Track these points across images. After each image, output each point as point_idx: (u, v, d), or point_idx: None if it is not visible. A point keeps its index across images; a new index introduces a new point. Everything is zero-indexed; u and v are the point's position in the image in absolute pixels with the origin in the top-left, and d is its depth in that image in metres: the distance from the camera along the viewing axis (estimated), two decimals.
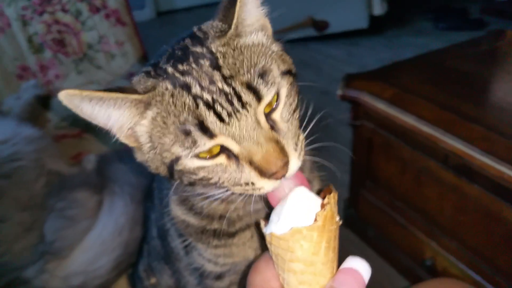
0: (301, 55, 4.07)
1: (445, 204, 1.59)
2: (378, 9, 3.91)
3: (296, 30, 4.08)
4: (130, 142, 0.63)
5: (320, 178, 0.83)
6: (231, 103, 0.56)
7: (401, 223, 1.82)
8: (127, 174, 1.16)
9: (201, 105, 0.56)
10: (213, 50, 0.59)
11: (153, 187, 0.92)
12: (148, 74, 0.61)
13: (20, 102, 1.52)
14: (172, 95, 0.57)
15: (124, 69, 1.73)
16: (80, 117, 0.59)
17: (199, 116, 0.56)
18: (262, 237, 0.73)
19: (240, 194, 0.63)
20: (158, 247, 0.88)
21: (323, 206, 0.58)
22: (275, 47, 0.67)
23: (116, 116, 0.59)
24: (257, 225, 0.75)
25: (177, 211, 0.78)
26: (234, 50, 0.59)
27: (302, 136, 0.65)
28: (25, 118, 1.46)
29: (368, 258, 1.87)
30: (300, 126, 0.68)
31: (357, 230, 2.15)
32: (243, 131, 0.56)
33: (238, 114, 0.56)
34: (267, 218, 0.62)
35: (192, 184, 0.62)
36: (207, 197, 0.65)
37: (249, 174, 0.59)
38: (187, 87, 0.57)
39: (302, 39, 4.22)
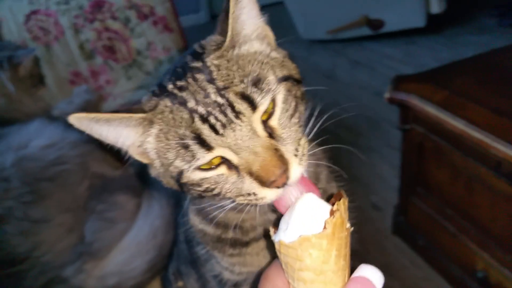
0: (355, 55, 4.00)
1: (498, 213, 1.51)
2: (436, 7, 3.70)
3: (350, 29, 4.00)
4: (142, 159, 0.66)
5: (338, 188, 0.81)
6: (225, 114, 0.56)
7: (452, 232, 1.74)
8: None
9: (196, 119, 0.57)
10: (208, 64, 0.60)
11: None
12: (154, 93, 0.63)
13: (72, 107, 1.59)
14: (171, 111, 0.59)
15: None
16: None
17: (196, 130, 0.57)
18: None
19: (248, 204, 0.63)
20: (185, 251, 0.90)
21: (332, 213, 0.56)
22: (277, 54, 0.67)
23: (124, 134, 0.62)
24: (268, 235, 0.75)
25: (195, 221, 0.80)
26: (228, 61, 0.60)
27: (304, 141, 0.64)
28: None
29: (418, 268, 1.82)
30: (304, 131, 0.67)
31: (407, 238, 2.08)
32: (239, 141, 0.57)
33: (232, 125, 0.57)
34: (276, 225, 0.61)
35: (200, 196, 0.64)
36: (220, 207, 0.66)
37: (250, 184, 0.59)
38: (184, 103, 0.58)
39: (357, 38, 4.13)
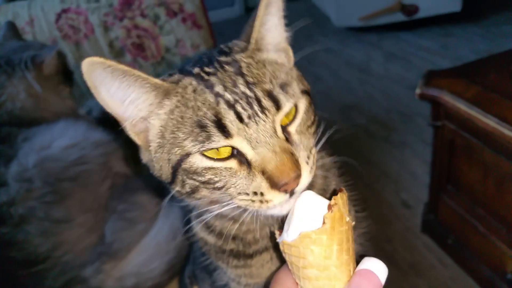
0: (390, 47, 3.91)
1: None
2: None
3: (384, 15, 3.91)
4: (138, 139, 0.64)
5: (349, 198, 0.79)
6: (251, 107, 0.57)
7: (482, 232, 1.70)
8: None
9: (222, 103, 0.57)
10: (238, 58, 0.61)
11: None
12: (171, 75, 0.63)
13: (101, 105, 1.62)
14: (195, 91, 0.59)
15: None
16: None
17: (218, 113, 0.57)
18: (281, 259, 0.72)
19: (245, 210, 0.62)
20: (199, 257, 0.90)
21: (330, 207, 0.56)
22: (296, 71, 0.69)
23: (133, 97, 0.60)
24: (275, 245, 0.73)
25: (198, 229, 0.79)
26: (257, 63, 0.62)
27: (314, 151, 0.63)
28: (104, 120, 1.55)
29: (447, 267, 1.78)
30: (316, 143, 0.67)
31: (436, 237, 2.04)
32: (260, 135, 0.57)
33: (257, 118, 0.57)
34: (282, 228, 0.61)
35: (193, 190, 0.62)
36: (215, 215, 0.65)
37: (259, 183, 0.58)
38: (210, 86, 0.59)
39: (392, 29, 4.03)
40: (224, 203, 0.62)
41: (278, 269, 0.71)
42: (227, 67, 0.60)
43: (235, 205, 0.61)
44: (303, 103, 0.63)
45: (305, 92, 0.65)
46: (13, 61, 1.28)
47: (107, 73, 0.56)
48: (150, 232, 1.16)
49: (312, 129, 0.64)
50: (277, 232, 0.62)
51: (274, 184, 0.57)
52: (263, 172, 0.57)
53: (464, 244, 1.86)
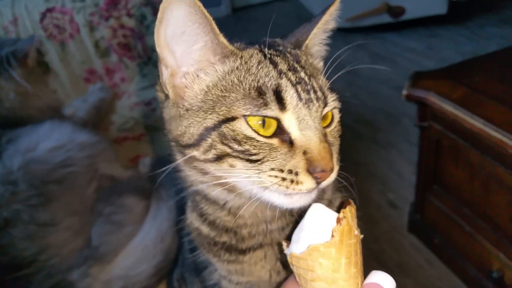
0: (376, 48, 3.93)
1: None
2: None
3: (371, 16, 3.94)
4: (173, 91, 0.65)
5: (343, 198, 0.81)
6: (308, 93, 0.61)
7: (468, 231, 1.72)
8: (176, 180, 1.18)
9: (285, 79, 0.61)
10: (297, 52, 0.67)
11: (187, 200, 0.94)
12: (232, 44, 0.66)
13: (86, 105, 1.61)
14: (259, 62, 0.63)
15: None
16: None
17: (280, 85, 0.60)
18: (275, 258, 0.73)
19: (249, 198, 0.63)
20: (189, 259, 0.90)
21: (339, 220, 0.56)
22: None
23: (202, 44, 0.62)
24: (278, 246, 0.74)
25: (192, 218, 0.80)
26: (310, 61, 0.69)
27: (336, 157, 0.67)
28: (90, 121, 1.54)
29: (433, 266, 1.79)
30: None
31: (422, 237, 2.05)
32: (309, 120, 0.60)
33: (311, 104, 0.61)
34: (288, 239, 0.61)
35: (218, 157, 0.61)
36: (220, 184, 0.65)
37: (298, 162, 0.59)
38: (274, 63, 0.63)
39: (379, 30, 4.06)
40: (239, 177, 0.62)
41: (272, 268, 0.74)
42: (288, 54, 0.65)
43: (250, 181, 0.61)
44: (337, 113, 0.69)
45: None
46: None
47: (189, 12, 0.58)
48: (138, 235, 1.15)
49: (339, 138, 0.70)
50: (284, 244, 0.61)
51: (312, 167, 0.59)
52: (305, 153, 0.59)
53: (451, 243, 1.88)
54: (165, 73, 0.65)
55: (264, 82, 0.60)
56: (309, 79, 0.63)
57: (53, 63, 1.70)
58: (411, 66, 3.52)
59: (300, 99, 0.60)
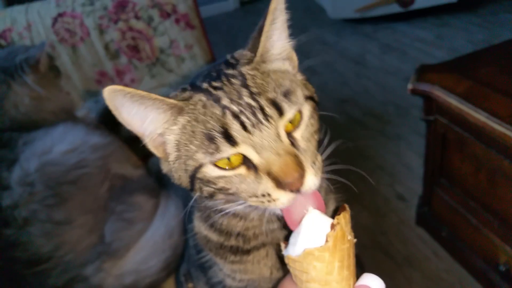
0: (386, 38, 3.92)
1: None
2: None
3: (380, 6, 3.92)
4: (158, 152, 0.69)
5: (336, 199, 0.84)
6: (255, 116, 0.61)
7: (475, 224, 1.73)
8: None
9: (228, 114, 0.61)
10: (243, 71, 0.65)
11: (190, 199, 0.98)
12: (184, 89, 0.68)
13: (99, 106, 1.66)
14: (204, 106, 0.63)
15: (194, 72, 1.81)
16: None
17: (225, 124, 0.61)
18: (277, 256, 0.77)
19: (256, 208, 0.67)
20: (194, 256, 0.95)
21: (333, 226, 0.60)
22: (300, 76, 0.72)
23: (151, 117, 0.65)
24: (277, 246, 0.78)
25: (200, 227, 0.84)
26: (262, 73, 0.65)
27: (320, 158, 0.66)
28: (102, 122, 1.59)
29: (441, 259, 1.83)
30: (319, 150, 0.70)
31: (430, 230, 2.07)
32: (264, 141, 0.61)
33: (261, 126, 0.61)
34: (287, 239, 0.65)
35: (211, 195, 0.67)
36: (227, 213, 0.70)
37: (266, 184, 0.61)
38: (218, 100, 0.63)
39: (388, 20, 4.04)
40: (240, 202, 0.66)
41: (272, 265, 0.78)
42: (233, 80, 0.64)
43: (249, 204, 0.65)
44: (307, 109, 0.66)
45: (309, 98, 0.68)
46: (9, 69, 1.32)
47: (127, 99, 0.61)
48: (148, 231, 1.21)
49: (316, 135, 0.67)
50: (282, 244, 0.65)
51: (279, 184, 0.60)
52: (269, 174, 0.61)
53: (458, 236, 1.90)
54: (145, 141, 0.68)
55: (210, 127, 0.61)
56: (255, 99, 0.62)
57: (65, 66, 1.75)
58: (421, 56, 3.51)
59: (246, 129, 0.60)
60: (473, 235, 1.77)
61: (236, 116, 0.61)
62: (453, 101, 1.56)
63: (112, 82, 1.82)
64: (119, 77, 1.84)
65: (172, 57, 1.87)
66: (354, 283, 0.61)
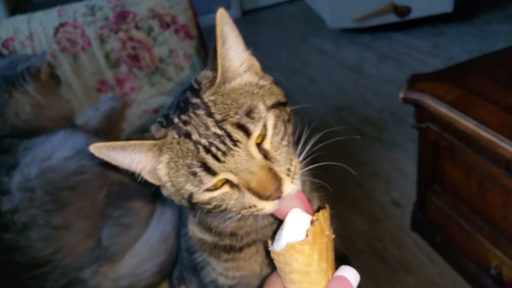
0: (383, 48, 3.96)
1: (509, 211, 1.52)
2: None
3: (377, 16, 3.96)
4: (155, 181, 0.74)
5: (319, 197, 0.89)
6: (224, 144, 0.64)
7: (467, 229, 1.76)
8: None
9: (201, 149, 0.65)
10: (205, 100, 0.67)
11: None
12: (161, 124, 0.71)
13: (98, 114, 1.70)
14: (179, 143, 0.67)
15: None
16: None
17: (201, 159, 0.65)
18: (266, 252, 0.82)
19: (250, 215, 0.71)
20: (187, 259, 0.99)
21: (312, 222, 0.65)
22: (264, 82, 0.73)
23: (137, 160, 0.70)
24: (264, 243, 0.82)
25: (195, 231, 0.88)
26: (222, 96, 0.67)
27: (295, 161, 0.70)
28: (101, 129, 1.63)
29: (435, 264, 1.86)
30: (296, 151, 0.73)
31: (425, 235, 2.11)
32: (237, 164, 0.64)
33: (231, 152, 0.64)
34: (273, 238, 0.70)
35: (210, 211, 0.72)
36: (227, 218, 0.74)
37: (250, 198, 0.66)
38: (189, 135, 0.66)
39: (385, 29, 4.09)
40: (237, 215, 0.71)
41: (262, 261, 0.84)
42: (198, 111, 0.66)
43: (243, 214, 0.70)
44: (270, 119, 0.68)
45: (273, 105, 0.69)
46: (10, 78, 1.36)
47: (110, 150, 0.68)
48: (143, 236, 1.24)
49: (286, 141, 0.70)
50: (269, 241, 0.70)
51: (260, 197, 0.65)
52: (249, 189, 0.65)
53: (451, 241, 1.93)
54: (142, 176, 0.74)
55: (189, 163, 0.65)
56: (221, 127, 0.64)
57: (67, 74, 1.79)
58: (418, 65, 3.56)
59: (218, 159, 0.64)
60: (466, 240, 1.80)
61: (207, 150, 0.64)
62: (443, 109, 1.60)
63: (112, 90, 1.86)
64: (119, 85, 1.88)
65: (171, 66, 1.91)
66: (333, 274, 0.66)
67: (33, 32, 1.77)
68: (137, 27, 1.85)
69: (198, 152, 0.65)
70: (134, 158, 0.69)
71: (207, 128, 0.65)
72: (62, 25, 1.79)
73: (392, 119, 3.01)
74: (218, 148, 0.64)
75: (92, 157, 0.71)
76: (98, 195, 1.24)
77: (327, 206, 0.69)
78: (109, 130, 1.68)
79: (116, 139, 1.66)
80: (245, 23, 5.07)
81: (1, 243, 1.13)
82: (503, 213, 1.56)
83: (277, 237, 0.68)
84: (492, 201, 1.59)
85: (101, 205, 1.23)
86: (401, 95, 1.78)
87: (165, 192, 0.74)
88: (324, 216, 0.67)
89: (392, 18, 3.95)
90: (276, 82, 0.77)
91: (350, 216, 2.30)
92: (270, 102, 0.69)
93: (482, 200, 1.65)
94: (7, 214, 1.13)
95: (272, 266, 0.84)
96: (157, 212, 1.28)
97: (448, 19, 3.99)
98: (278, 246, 0.66)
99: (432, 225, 2.04)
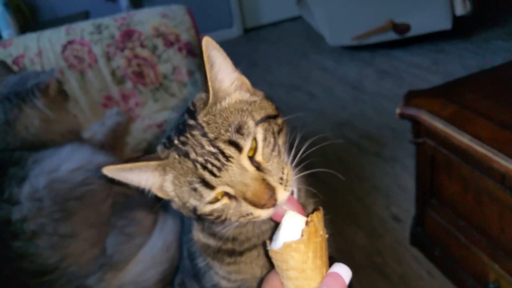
0: (382, 64, 4.02)
1: (506, 225, 1.55)
2: (460, 9, 3.68)
3: (376, 34, 4.03)
4: (164, 196, 0.80)
5: (314, 203, 0.94)
6: (218, 160, 0.70)
7: (465, 243, 1.79)
8: None
9: (198, 167, 0.71)
10: (200, 121, 0.73)
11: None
12: (164, 145, 0.78)
13: (104, 128, 1.76)
14: (179, 162, 0.73)
15: (195, 96, 1.91)
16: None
17: (200, 176, 0.71)
18: (267, 256, 0.85)
19: (248, 222, 0.76)
20: (188, 266, 1.03)
21: (307, 223, 0.70)
22: (255, 98, 0.79)
23: (145, 178, 0.76)
24: (264, 245, 0.87)
25: (200, 236, 0.93)
26: (214, 115, 0.73)
27: (287, 170, 0.75)
28: (107, 143, 1.68)
29: (434, 278, 1.89)
30: (288, 159, 0.78)
31: (424, 249, 2.13)
32: (232, 178, 0.70)
33: (226, 167, 0.70)
34: (271, 238, 0.75)
35: (213, 222, 0.78)
36: (226, 226, 0.79)
37: (246, 207, 0.72)
38: (187, 155, 0.72)
39: (385, 46, 4.16)
40: (237, 224, 0.77)
41: (263, 265, 0.88)
42: (194, 132, 0.72)
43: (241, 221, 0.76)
44: (260, 133, 0.73)
45: (262, 120, 0.75)
46: (21, 93, 1.42)
47: (121, 171, 0.74)
48: (146, 245, 1.28)
49: (276, 151, 0.75)
50: (267, 242, 0.75)
51: (256, 206, 0.71)
52: (245, 199, 0.71)
53: (450, 255, 1.95)
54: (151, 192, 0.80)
55: (190, 180, 0.71)
56: (214, 145, 0.70)
57: (74, 90, 1.85)
58: (417, 81, 3.61)
59: (214, 175, 0.70)
60: (464, 254, 1.82)
61: (204, 166, 0.70)
62: (439, 125, 1.64)
63: (117, 106, 1.92)
64: (124, 101, 1.93)
65: (175, 82, 1.97)
66: (327, 271, 0.71)
67: (42, 49, 1.84)
68: (142, 45, 1.91)
69: (196, 170, 0.71)
70: (142, 177, 0.76)
71: (202, 147, 0.71)
72: (70, 42, 1.86)
73: (391, 135, 3.05)
74: (213, 165, 0.70)
75: (98, 168, 0.76)
76: (103, 205, 1.29)
77: (320, 208, 0.74)
78: (115, 144, 1.73)
79: (121, 152, 1.72)
80: (247, 40, 5.15)
81: (11, 251, 1.17)
82: (500, 226, 1.58)
83: (274, 237, 0.73)
84: (489, 215, 1.62)
85: (106, 215, 1.28)
86: (398, 110, 1.82)
87: (174, 206, 0.80)
88: (318, 217, 0.72)
89: (392, 35, 4.01)
90: (268, 97, 0.82)
91: (350, 230, 2.33)
92: (259, 116, 0.75)
93: (479, 214, 1.67)
94: (17, 222, 1.17)
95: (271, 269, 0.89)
96: (160, 222, 1.32)
97: (448, 36, 4.05)
98: (276, 245, 0.71)
99: (431, 239, 2.06)
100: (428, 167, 1.88)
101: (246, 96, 0.79)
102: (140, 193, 0.80)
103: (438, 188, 1.89)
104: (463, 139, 1.54)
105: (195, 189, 0.71)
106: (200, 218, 0.77)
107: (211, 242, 0.91)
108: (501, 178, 1.47)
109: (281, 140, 0.77)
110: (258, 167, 0.72)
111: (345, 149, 2.97)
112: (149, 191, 0.78)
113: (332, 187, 2.48)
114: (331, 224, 0.83)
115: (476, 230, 1.72)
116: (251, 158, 0.72)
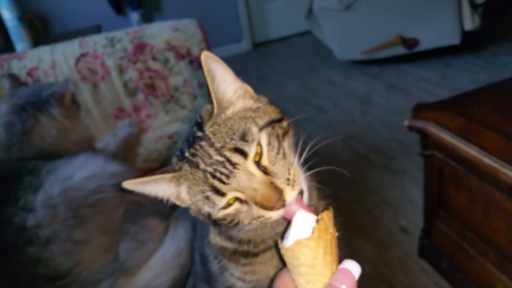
0: (391, 79, 4.05)
1: None
2: (469, 23, 3.71)
3: (385, 48, 4.06)
4: (182, 205, 0.83)
5: (326, 205, 0.95)
6: (226, 168, 0.73)
7: (472, 255, 1.79)
8: None
9: (208, 176, 0.74)
10: (207, 132, 0.77)
11: (196, 220, 1.10)
12: (178, 157, 0.81)
13: (116, 139, 1.79)
14: (191, 173, 0.77)
15: (205, 108, 1.94)
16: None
17: (211, 184, 0.74)
18: (280, 257, 0.88)
19: (260, 224, 0.79)
20: (200, 271, 1.06)
21: (317, 221, 0.73)
22: (259, 104, 0.82)
23: (162, 190, 0.80)
24: (275, 244, 0.90)
25: (216, 240, 0.96)
26: (219, 125, 0.77)
27: (293, 171, 0.77)
28: (119, 153, 1.72)
29: None
30: (295, 159, 0.81)
31: (432, 261, 2.13)
32: (241, 184, 0.74)
33: (233, 174, 0.73)
34: (282, 237, 0.78)
35: (228, 226, 0.81)
36: (241, 229, 0.83)
37: (257, 210, 0.75)
38: (197, 165, 0.76)
39: (394, 61, 4.19)
40: (250, 226, 0.80)
41: (277, 266, 0.91)
42: (202, 143, 0.76)
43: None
44: (264, 138, 0.76)
45: (266, 125, 0.78)
46: (36, 103, 1.46)
47: (139, 184, 0.77)
48: (158, 251, 1.30)
49: (281, 154, 0.77)
50: (279, 240, 0.78)
51: (266, 208, 0.74)
52: (256, 203, 0.74)
53: (457, 267, 1.95)
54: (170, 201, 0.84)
55: (202, 189, 0.75)
56: (221, 154, 0.73)
57: (87, 102, 1.89)
58: (425, 95, 3.63)
59: (224, 182, 0.73)
60: (471, 265, 1.82)
61: (213, 176, 0.74)
62: (447, 137, 1.66)
63: (129, 117, 1.96)
64: (136, 112, 1.97)
65: (186, 94, 2.01)
66: (337, 267, 0.73)
67: (55, 61, 1.89)
68: (154, 58, 1.96)
69: (207, 179, 0.74)
70: (159, 189, 0.80)
71: (210, 157, 0.74)
72: (83, 55, 1.91)
73: (400, 148, 3.07)
74: (221, 173, 0.73)
75: (111, 177, 0.80)
76: (116, 213, 1.31)
77: (330, 207, 0.77)
78: (126, 154, 1.77)
79: (133, 162, 1.75)
80: (256, 55, 5.21)
81: (25, 256, 1.19)
82: (507, 238, 1.59)
83: (286, 235, 0.76)
84: (496, 226, 1.63)
85: (118, 221, 1.31)
86: (406, 123, 1.84)
87: (192, 213, 0.84)
88: (328, 216, 0.74)
89: (400, 50, 4.04)
90: (272, 102, 0.85)
91: (358, 242, 2.34)
92: (262, 122, 0.78)
93: (487, 225, 1.68)
94: (31, 229, 1.20)
95: None
96: (171, 229, 1.35)
97: (456, 51, 4.08)
98: (287, 243, 0.74)
99: (438, 251, 2.06)
100: (436, 179, 1.89)
101: (250, 103, 0.81)
102: (154, 201, 0.82)
103: (446, 200, 1.90)
104: (471, 151, 1.56)
105: (207, 197, 0.75)
106: (216, 223, 0.80)
107: (228, 244, 0.94)
108: (508, 189, 1.48)
109: (286, 143, 0.80)
110: (265, 171, 0.75)
111: (354, 162, 2.99)
112: (167, 200, 0.82)
113: (340, 200, 2.51)
114: (341, 226, 0.85)
115: (483, 242, 1.73)
116: (258, 163, 0.75)
